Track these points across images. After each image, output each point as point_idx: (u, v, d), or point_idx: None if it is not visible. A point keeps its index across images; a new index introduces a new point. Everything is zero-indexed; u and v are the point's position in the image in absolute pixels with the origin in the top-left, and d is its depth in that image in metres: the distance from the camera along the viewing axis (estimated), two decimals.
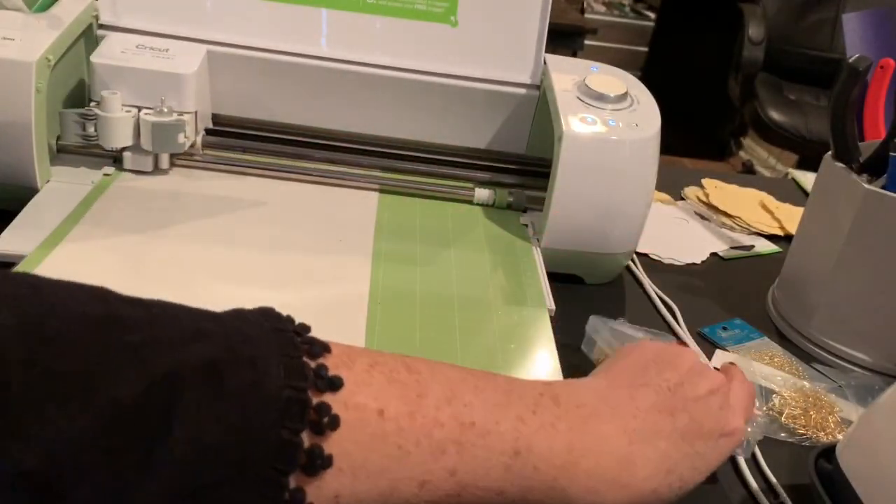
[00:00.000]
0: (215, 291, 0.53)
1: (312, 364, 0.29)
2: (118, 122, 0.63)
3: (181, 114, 0.65)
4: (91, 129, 0.63)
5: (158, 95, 0.64)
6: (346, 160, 0.71)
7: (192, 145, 0.67)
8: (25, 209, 0.59)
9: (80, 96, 0.70)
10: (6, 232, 0.56)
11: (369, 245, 0.61)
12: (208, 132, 0.70)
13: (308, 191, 0.68)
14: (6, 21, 0.61)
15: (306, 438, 0.28)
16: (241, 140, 0.70)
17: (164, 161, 0.66)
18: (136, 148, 0.65)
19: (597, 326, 0.56)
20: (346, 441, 0.29)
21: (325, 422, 0.28)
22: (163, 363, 0.26)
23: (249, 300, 0.53)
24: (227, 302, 0.53)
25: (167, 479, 0.25)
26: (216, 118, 0.72)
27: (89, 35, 0.68)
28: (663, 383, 0.39)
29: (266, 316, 0.31)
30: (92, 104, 0.64)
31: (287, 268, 0.57)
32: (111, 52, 0.65)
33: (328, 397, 0.29)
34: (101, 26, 0.69)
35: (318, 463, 0.28)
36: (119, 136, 0.64)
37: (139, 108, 0.64)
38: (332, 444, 0.29)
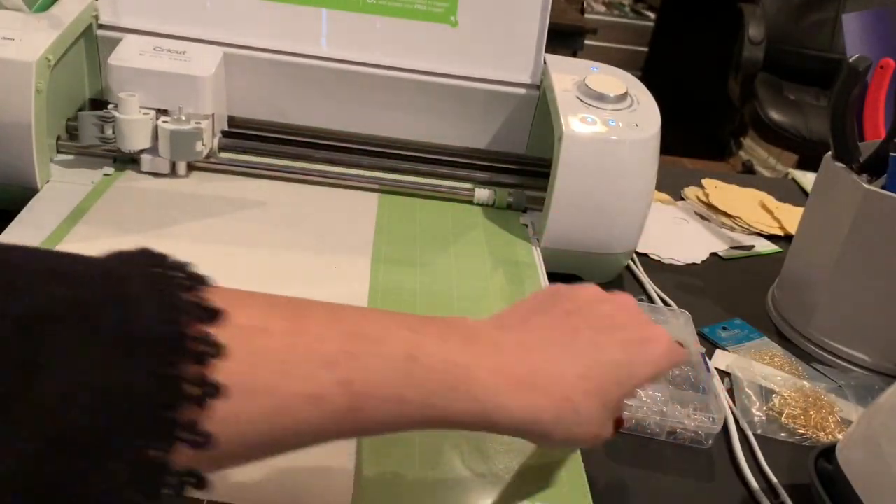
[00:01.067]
0: None
1: (190, 296, 0.27)
2: (136, 124, 0.63)
3: (199, 118, 0.64)
4: (109, 131, 0.63)
5: (176, 98, 0.64)
6: (346, 160, 0.71)
7: (210, 149, 0.67)
8: (25, 209, 0.59)
9: (80, 96, 0.70)
10: (6, 232, 0.56)
11: (369, 245, 0.61)
12: (224, 134, 0.70)
13: (308, 191, 0.68)
14: (6, 21, 0.61)
15: (190, 370, 0.26)
16: (256, 142, 0.70)
17: (182, 168, 0.66)
18: (153, 150, 0.65)
19: None
20: (230, 363, 0.27)
21: (209, 351, 0.27)
22: (16, 306, 0.24)
23: None
24: None
25: (37, 435, 0.23)
26: (231, 120, 0.72)
27: (89, 35, 0.68)
28: (559, 310, 0.38)
29: (139, 253, 0.29)
30: (109, 106, 0.64)
31: (287, 268, 0.57)
32: (128, 54, 0.65)
33: (209, 327, 0.27)
34: (101, 26, 0.69)
35: (206, 392, 0.26)
36: (137, 139, 0.64)
37: (157, 111, 0.64)
38: (218, 371, 0.27)
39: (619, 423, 0.39)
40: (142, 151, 0.65)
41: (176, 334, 0.26)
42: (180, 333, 0.26)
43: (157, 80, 0.64)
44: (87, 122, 0.64)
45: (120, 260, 0.28)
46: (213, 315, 0.28)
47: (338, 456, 0.42)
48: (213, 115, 0.66)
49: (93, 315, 0.25)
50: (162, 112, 0.65)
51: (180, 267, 0.29)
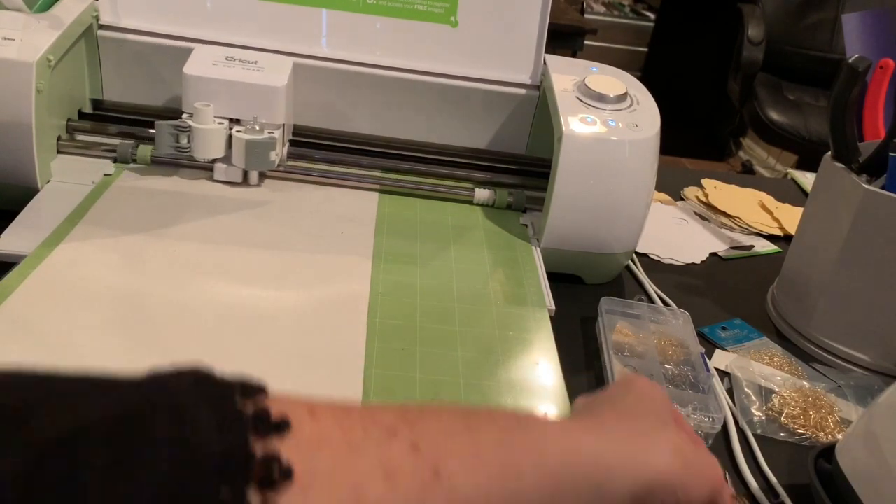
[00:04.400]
0: (215, 291, 0.53)
1: (250, 407, 0.24)
2: (211, 133, 0.63)
3: (272, 128, 0.65)
4: (184, 141, 0.63)
5: (249, 107, 0.64)
6: (347, 160, 0.71)
7: (280, 158, 0.67)
8: (25, 209, 0.59)
9: (80, 96, 0.70)
10: (6, 232, 0.56)
11: (369, 245, 0.62)
12: (292, 143, 0.70)
13: (308, 191, 0.68)
14: (6, 21, 0.61)
15: (254, 498, 0.22)
16: (295, 148, 0.71)
17: (254, 177, 0.67)
18: (226, 159, 0.65)
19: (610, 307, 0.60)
20: (289, 453, 0.24)
21: (276, 476, 0.23)
22: (54, 425, 0.20)
23: (249, 299, 0.54)
24: (228, 301, 0.53)
25: None
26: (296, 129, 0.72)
27: (90, 35, 0.68)
28: (622, 404, 0.36)
29: (181, 367, 0.25)
30: (184, 115, 0.64)
31: (287, 267, 0.57)
32: (202, 63, 0.65)
33: (276, 443, 0.23)
34: (102, 26, 0.69)
35: None
36: (212, 148, 0.64)
37: (230, 120, 0.64)
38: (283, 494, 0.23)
39: None
40: (215, 160, 0.65)
41: (242, 455, 0.22)
42: (247, 454, 0.22)
43: (233, 90, 0.64)
44: (163, 132, 0.63)
45: (165, 372, 0.24)
46: (280, 428, 0.24)
47: None
48: (284, 124, 0.66)
49: (141, 429, 0.21)
50: (234, 121, 0.65)
51: (230, 378, 0.25)
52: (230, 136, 0.64)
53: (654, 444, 0.32)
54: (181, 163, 0.67)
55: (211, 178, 0.66)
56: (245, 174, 0.66)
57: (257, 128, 0.64)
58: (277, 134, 0.65)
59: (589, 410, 0.36)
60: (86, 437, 0.20)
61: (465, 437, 0.28)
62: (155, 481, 0.20)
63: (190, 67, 0.64)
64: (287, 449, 0.23)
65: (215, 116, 0.63)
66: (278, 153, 0.65)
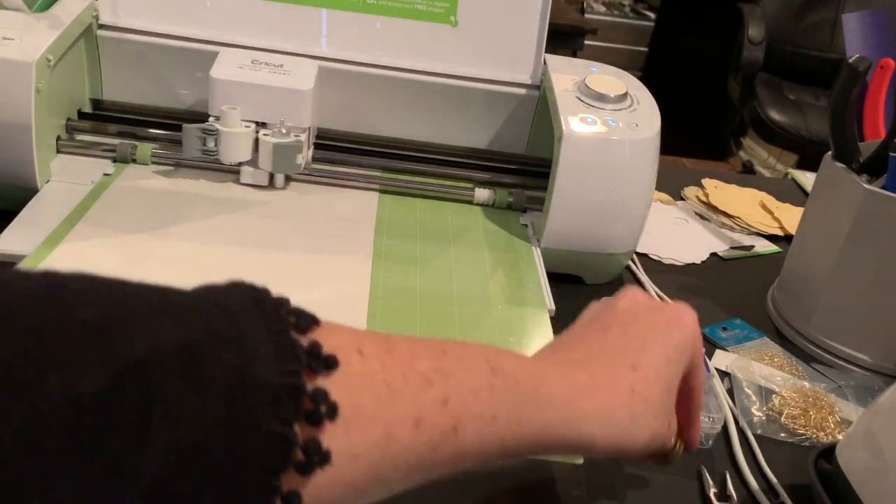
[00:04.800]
0: None
1: (304, 341, 0.26)
2: (238, 137, 0.63)
3: (298, 131, 0.64)
4: (211, 144, 0.63)
5: (276, 111, 0.64)
6: (346, 160, 0.71)
7: (306, 161, 0.67)
8: (25, 209, 0.59)
9: (80, 96, 0.70)
10: (6, 232, 0.56)
11: (369, 245, 0.61)
12: (316, 147, 0.70)
13: (308, 190, 0.68)
14: (6, 21, 0.61)
15: (300, 431, 0.24)
16: (344, 154, 0.71)
17: (280, 180, 0.67)
18: (252, 162, 0.65)
19: None
20: (336, 390, 0.26)
21: (323, 411, 0.25)
22: (130, 347, 0.22)
23: None
24: None
25: (141, 491, 0.21)
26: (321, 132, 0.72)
27: (89, 35, 0.68)
28: (595, 327, 0.40)
29: (240, 287, 0.27)
30: (211, 119, 0.64)
31: (287, 267, 0.57)
32: (229, 67, 0.64)
33: (324, 380, 0.25)
34: (102, 26, 0.69)
35: (314, 460, 0.24)
36: (239, 151, 0.64)
37: (257, 123, 0.64)
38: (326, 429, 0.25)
39: (688, 442, 0.42)
40: (241, 164, 0.65)
41: (293, 388, 0.24)
42: (297, 387, 0.24)
43: (259, 94, 0.64)
44: (191, 135, 0.63)
45: (227, 294, 0.27)
46: (329, 365, 0.26)
47: None
48: (309, 128, 0.66)
49: (205, 359, 0.23)
50: (261, 125, 0.65)
51: (287, 303, 0.27)
52: (256, 140, 0.64)
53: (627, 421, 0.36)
54: (182, 163, 0.67)
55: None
56: (271, 177, 0.66)
57: (284, 131, 0.64)
58: (304, 137, 0.65)
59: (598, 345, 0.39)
60: (158, 366, 0.22)
61: (486, 396, 0.30)
62: (213, 414, 0.22)
63: (217, 71, 0.64)
64: (335, 386, 0.26)
65: (242, 120, 0.63)
66: (304, 156, 0.65)
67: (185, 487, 0.22)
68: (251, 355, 0.24)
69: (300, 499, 0.24)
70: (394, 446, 0.27)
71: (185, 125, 0.63)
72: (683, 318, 0.40)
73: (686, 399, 0.41)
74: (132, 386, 0.21)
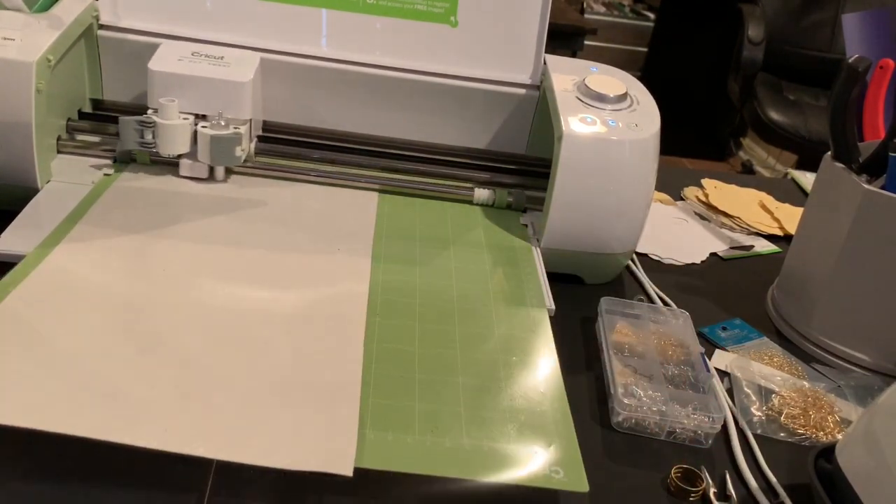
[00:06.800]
0: (215, 291, 0.53)
1: None
2: (176, 129, 0.63)
3: (238, 123, 0.65)
4: (149, 136, 0.63)
5: (215, 103, 0.64)
6: (346, 160, 0.71)
7: (247, 154, 0.67)
8: (25, 209, 0.59)
9: (80, 96, 0.70)
10: (6, 232, 0.56)
11: (369, 245, 0.62)
12: (260, 139, 0.70)
13: (307, 191, 0.68)
14: (6, 21, 0.61)
15: None
16: (280, 146, 0.71)
17: (220, 173, 0.67)
18: (192, 155, 0.65)
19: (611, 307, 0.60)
20: None
21: None
22: None
23: (249, 299, 0.54)
24: (228, 301, 0.53)
25: None
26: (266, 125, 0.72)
27: (89, 35, 0.68)
28: None
29: None
30: (149, 111, 0.64)
31: (287, 267, 0.57)
32: (168, 59, 0.65)
33: None
34: (102, 26, 0.69)
35: None
36: (177, 144, 0.64)
37: (196, 116, 0.64)
38: None
39: None
40: (181, 156, 0.65)
41: None
42: None
43: (198, 86, 0.64)
44: (127, 128, 0.63)
45: None
46: None
47: (342, 420, 0.43)
48: (251, 120, 0.66)
49: None
50: (200, 117, 0.65)
51: None
52: (195, 132, 0.64)
53: None
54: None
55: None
56: (211, 170, 0.66)
57: (223, 123, 0.64)
58: (243, 129, 0.65)
59: None
60: None
61: None
62: None
63: (155, 63, 0.64)
64: None
65: (181, 112, 0.63)
66: (244, 149, 0.65)
67: None
68: None
69: None
70: None
71: (121, 117, 0.64)
72: None
73: None
74: None
